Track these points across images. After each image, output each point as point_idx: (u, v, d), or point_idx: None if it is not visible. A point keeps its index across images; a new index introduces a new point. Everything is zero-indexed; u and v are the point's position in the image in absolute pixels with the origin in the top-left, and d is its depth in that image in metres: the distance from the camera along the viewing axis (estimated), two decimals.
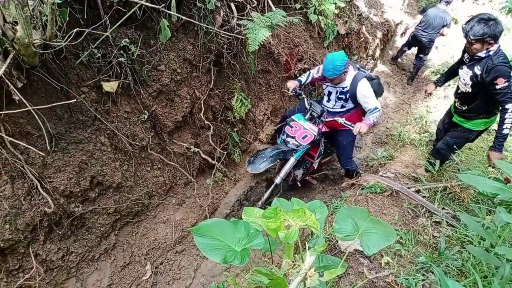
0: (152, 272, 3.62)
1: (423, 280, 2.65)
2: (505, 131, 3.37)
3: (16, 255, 2.77)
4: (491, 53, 3.28)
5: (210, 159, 4.24)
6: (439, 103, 6.86)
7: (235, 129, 4.56)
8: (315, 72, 4.27)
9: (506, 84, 3.19)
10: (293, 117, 4.06)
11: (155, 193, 3.81)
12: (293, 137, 3.96)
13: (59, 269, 3.08)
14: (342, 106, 4.15)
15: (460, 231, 3.15)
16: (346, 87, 3.90)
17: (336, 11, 5.75)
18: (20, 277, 2.80)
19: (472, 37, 3.22)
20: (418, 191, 3.83)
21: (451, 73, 4.25)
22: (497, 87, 3.24)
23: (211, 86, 4.03)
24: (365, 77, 3.83)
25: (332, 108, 4.13)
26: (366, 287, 2.63)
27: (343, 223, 2.02)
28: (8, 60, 2.21)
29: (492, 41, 3.19)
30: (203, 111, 3.97)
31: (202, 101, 3.95)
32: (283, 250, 2.12)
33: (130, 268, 3.53)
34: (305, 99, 4.14)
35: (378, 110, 3.85)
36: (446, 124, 4.34)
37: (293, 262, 1.67)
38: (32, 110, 2.32)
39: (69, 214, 3.05)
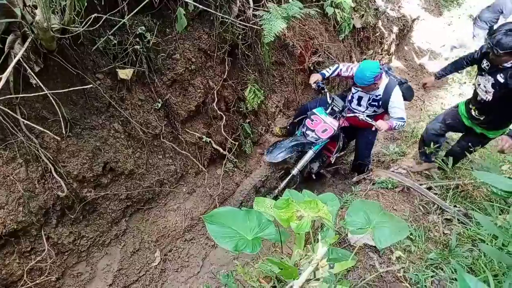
0: (161, 259, 3.66)
1: (432, 276, 2.64)
2: None
3: (28, 237, 2.82)
4: None
5: (221, 150, 4.25)
6: (454, 100, 6.76)
7: (247, 121, 4.55)
8: (344, 69, 4.23)
9: None
10: (314, 110, 4.05)
11: (166, 181, 3.83)
12: (313, 130, 3.95)
13: (70, 253, 3.13)
14: (374, 112, 4.19)
15: (472, 229, 3.13)
16: (379, 95, 3.92)
17: (353, 4, 5.69)
18: (32, 259, 2.84)
19: (501, 51, 3.05)
20: (429, 188, 3.81)
21: (457, 67, 4.12)
22: None
23: (224, 77, 4.02)
24: (397, 83, 3.81)
25: (363, 112, 4.12)
26: (375, 281, 2.63)
27: (355, 216, 2.02)
28: (27, 44, 2.23)
29: None
30: (216, 101, 3.97)
31: (215, 91, 3.95)
32: (293, 241, 2.13)
33: (140, 254, 3.57)
34: (327, 93, 4.12)
35: (403, 121, 3.89)
36: (449, 126, 4.15)
37: (304, 252, 1.68)
38: (49, 95, 2.34)
39: (81, 199, 3.08)
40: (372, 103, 4.04)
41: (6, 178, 2.60)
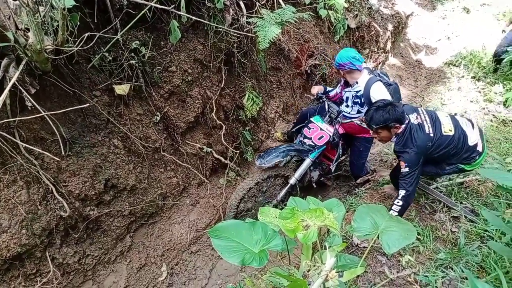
0: (168, 273, 3.63)
1: (442, 277, 2.61)
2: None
3: (33, 259, 2.79)
4: (398, 136, 3.11)
5: (223, 159, 4.24)
6: (453, 95, 6.74)
7: (247, 128, 4.54)
8: (338, 89, 4.26)
9: (407, 169, 3.03)
10: (311, 119, 4.05)
11: (169, 194, 3.82)
12: (310, 138, 3.95)
13: (76, 272, 3.10)
14: (358, 111, 4.07)
15: (480, 226, 3.10)
16: (360, 90, 3.84)
17: (346, 5, 5.69)
18: (38, 281, 2.82)
19: (375, 126, 3.08)
20: (436, 187, 3.77)
21: None
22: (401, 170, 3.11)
23: (222, 86, 4.02)
24: (380, 81, 3.75)
25: (349, 113, 4.09)
26: (385, 285, 2.60)
27: (362, 222, 1.99)
28: (21, 67, 2.22)
29: (397, 125, 3.03)
30: (214, 110, 3.96)
31: (213, 101, 3.94)
32: (300, 249, 2.10)
33: (146, 270, 3.54)
34: (325, 102, 4.13)
35: None
36: None
37: (312, 263, 1.65)
38: (46, 116, 2.33)
39: (84, 217, 3.06)
40: (355, 100, 3.98)
41: (8, 202, 2.59)
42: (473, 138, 3.14)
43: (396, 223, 2.02)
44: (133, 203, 3.43)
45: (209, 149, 4.06)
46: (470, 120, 3.26)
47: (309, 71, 5.28)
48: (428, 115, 3.15)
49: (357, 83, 3.80)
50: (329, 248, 1.89)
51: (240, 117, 4.40)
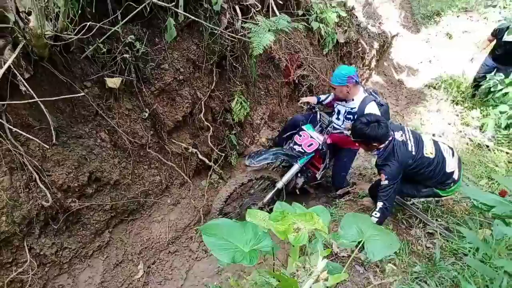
0: (144, 271, 3.59)
1: None
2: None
3: (10, 248, 2.73)
4: (380, 151, 3.25)
5: (207, 161, 4.23)
6: (432, 116, 6.95)
7: (233, 132, 4.55)
8: (332, 96, 4.37)
9: (386, 182, 3.15)
10: (303, 127, 4.13)
11: (151, 192, 3.79)
12: (300, 145, 4.02)
13: (52, 264, 3.04)
14: None
15: (455, 242, 3.20)
16: (354, 108, 3.95)
17: (337, 20, 5.80)
18: (13, 271, 2.75)
19: (355, 139, 3.32)
20: (412, 203, 3.87)
21: None
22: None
23: (212, 88, 4.03)
24: (374, 101, 3.87)
25: (340, 126, 4.19)
26: None
27: (348, 229, 2.05)
28: (18, 50, 2.19)
29: (375, 144, 3.20)
30: (203, 112, 3.96)
31: (203, 102, 3.94)
32: (287, 252, 2.13)
33: (123, 267, 3.49)
34: (318, 113, 4.21)
35: None
36: None
37: (302, 264, 1.68)
38: (39, 102, 2.30)
39: (65, 209, 3.01)
40: (347, 115, 4.09)
41: None
42: (451, 165, 3.28)
43: (380, 233, 2.09)
44: (115, 198, 3.39)
45: (194, 150, 4.05)
46: (451, 148, 3.40)
47: (297, 81, 5.34)
48: (412, 135, 3.29)
49: (352, 100, 3.91)
50: (314, 252, 1.93)
51: (227, 121, 4.41)
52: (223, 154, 4.44)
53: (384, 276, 2.76)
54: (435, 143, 3.33)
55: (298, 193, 4.46)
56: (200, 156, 4.13)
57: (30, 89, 2.26)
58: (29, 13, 2.10)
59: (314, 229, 1.73)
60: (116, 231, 3.55)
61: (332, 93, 4.39)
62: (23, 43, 2.20)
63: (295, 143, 4.08)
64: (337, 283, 2.71)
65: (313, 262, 1.78)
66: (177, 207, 4.06)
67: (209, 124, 4.10)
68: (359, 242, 2.00)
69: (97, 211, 3.29)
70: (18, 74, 2.23)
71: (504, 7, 10.08)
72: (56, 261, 3.06)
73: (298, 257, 1.97)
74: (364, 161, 5.67)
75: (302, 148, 4.00)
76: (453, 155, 3.34)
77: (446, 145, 3.44)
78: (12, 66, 2.19)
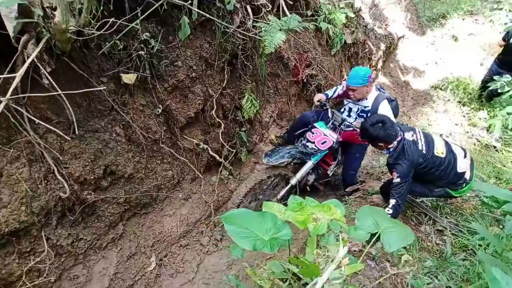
0: (156, 264, 3.66)
1: (428, 283, 2.73)
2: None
3: (29, 238, 2.80)
4: (390, 151, 3.33)
5: (217, 157, 4.30)
6: (439, 116, 7.00)
7: (243, 129, 4.62)
8: (340, 88, 4.41)
9: (398, 180, 3.22)
10: (315, 124, 4.17)
11: (163, 187, 3.86)
12: (313, 142, 4.06)
13: (68, 255, 3.11)
14: None
15: (465, 238, 3.25)
16: (367, 106, 4.01)
17: (345, 21, 5.87)
18: (31, 260, 2.82)
19: (362, 138, 3.46)
20: (421, 200, 3.92)
21: None
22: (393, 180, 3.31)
23: (223, 85, 4.10)
24: (386, 98, 3.93)
25: (351, 123, 4.21)
26: (374, 287, 2.70)
27: (364, 220, 2.10)
28: (41, 44, 2.27)
29: (381, 144, 3.31)
30: (214, 109, 4.03)
31: (214, 99, 4.02)
32: (298, 246, 2.19)
33: (136, 259, 3.56)
34: (329, 110, 4.24)
35: None
36: None
37: (322, 251, 1.75)
38: (62, 95, 2.37)
39: (81, 201, 3.08)
40: (360, 114, 4.14)
41: (10, 177, 2.60)
42: (462, 166, 3.32)
43: (395, 225, 2.13)
44: (128, 191, 3.47)
45: (206, 146, 4.12)
46: (464, 150, 3.44)
47: (305, 80, 5.41)
48: (423, 135, 3.35)
49: (366, 99, 3.97)
50: (336, 241, 1.99)
51: (237, 118, 4.49)
52: (233, 151, 4.50)
53: (399, 266, 2.81)
54: (447, 144, 3.39)
55: (308, 189, 4.51)
56: (211, 152, 4.20)
57: (53, 83, 2.33)
58: (54, 9, 2.18)
59: (333, 220, 1.79)
60: (129, 224, 3.63)
61: (337, 87, 4.45)
62: (46, 38, 2.28)
63: (308, 141, 4.12)
64: (351, 275, 2.77)
65: (332, 251, 1.84)
66: (188, 202, 4.13)
67: (220, 121, 4.17)
68: (374, 234, 2.05)
69: (111, 204, 3.37)
70: (41, 68, 2.30)
71: (510, 10, 10.09)
72: (72, 252, 3.13)
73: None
74: (371, 160, 5.71)
75: (315, 146, 4.04)
76: (465, 156, 3.38)
77: (459, 146, 3.49)
78: (35, 60, 2.26)
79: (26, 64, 2.21)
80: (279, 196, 4.07)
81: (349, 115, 4.27)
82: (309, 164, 4.07)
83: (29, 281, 2.78)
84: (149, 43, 3.23)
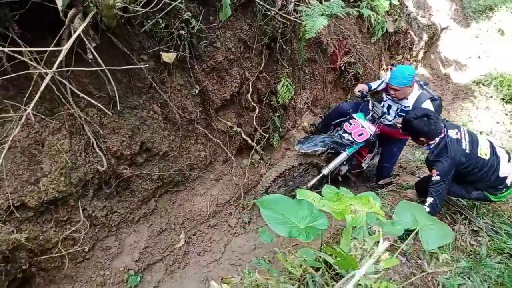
0: (185, 241, 3.74)
1: (460, 284, 2.67)
2: None
3: (66, 207, 2.91)
4: (431, 147, 3.23)
5: (249, 140, 4.30)
6: (481, 113, 6.75)
7: (277, 114, 4.60)
8: (383, 82, 4.31)
9: (438, 177, 3.11)
10: (354, 115, 4.10)
11: (196, 166, 3.91)
12: (350, 133, 4.00)
13: (102, 226, 3.23)
14: None
15: (501, 240, 3.15)
16: (408, 106, 3.90)
17: (388, 8, 5.70)
18: (67, 229, 2.94)
19: (403, 132, 3.41)
20: (457, 199, 3.82)
21: None
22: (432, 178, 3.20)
23: (260, 69, 4.07)
24: (429, 98, 3.81)
25: (390, 121, 4.13)
26: (405, 287, 2.66)
27: (402, 215, 2.06)
28: (88, 19, 2.30)
29: (423, 139, 3.20)
30: (250, 92, 4.02)
31: (250, 83, 4.00)
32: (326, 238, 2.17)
33: (166, 235, 3.65)
34: (370, 101, 4.13)
35: None
36: None
37: (360, 244, 1.73)
38: (106, 71, 2.41)
39: (117, 175, 3.17)
40: (400, 113, 4.03)
41: (51, 148, 2.70)
42: (505, 170, 3.21)
43: (434, 223, 2.08)
44: (162, 169, 3.53)
45: (239, 129, 4.13)
46: (509, 154, 3.32)
47: (343, 68, 5.32)
48: (468, 135, 3.24)
49: (407, 98, 3.87)
50: (375, 234, 1.96)
51: (272, 103, 4.46)
52: (266, 136, 4.50)
53: (437, 265, 2.76)
54: (491, 145, 3.27)
55: (340, 180, 4.46)
56: (243, 136, 4.21)
57: (98, 58, 2.37)
58: None
59: (372, 212, 1.76)
60: (161, 200, 3.71)
61: (382, 80, 4.33)
62: (93, 13, 2.31)
63: (345, 131, 4.06)
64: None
65: (369, 244, 1.82)
66: (219, 183, 4.18)
67: (254, 105, 4.16)
68: (411, 230, 2.01)
69: (145, 180, 3.44)
70: (87, 42, 2.34)
71: None
72: (106, 224, 3.23)
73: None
74: (406, 153, 5.59)
75: (352, 137, 3.98)
76: (509, 160, 3.26)
77: (504, 149, 3.36)
78: (81, 34, 2.30)
79: (73, 38, 2.25)
80: (309, 185, 4.05)
81: (388, 113, 4.17)
82: (344, 155, 4.01)
83: (64, 249, 2.90)
84: (190, 23, 3.22)
